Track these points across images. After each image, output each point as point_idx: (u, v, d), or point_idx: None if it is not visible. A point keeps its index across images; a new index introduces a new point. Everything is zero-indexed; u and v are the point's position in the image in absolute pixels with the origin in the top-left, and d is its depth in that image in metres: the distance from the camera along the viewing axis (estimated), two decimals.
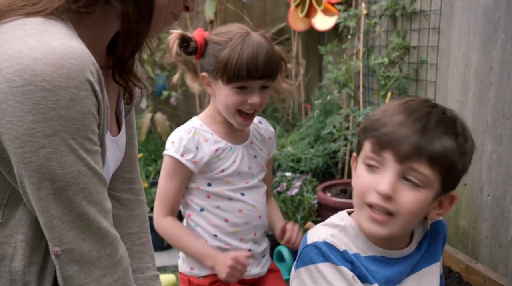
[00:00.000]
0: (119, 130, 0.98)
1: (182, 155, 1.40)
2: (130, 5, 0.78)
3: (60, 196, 0.72)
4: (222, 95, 1.39)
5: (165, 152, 1.43)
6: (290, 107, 3.43)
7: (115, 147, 0.96)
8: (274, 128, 3.27)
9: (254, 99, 1.37)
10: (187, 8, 0.90)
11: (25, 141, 0.68)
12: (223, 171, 1.44)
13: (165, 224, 1.46)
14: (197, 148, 1.41)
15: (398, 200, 0.87)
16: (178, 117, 3.36)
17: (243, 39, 1.36)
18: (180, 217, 1.76)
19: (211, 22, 3.09)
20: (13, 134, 0.68)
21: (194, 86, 1.51)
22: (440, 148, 0.85)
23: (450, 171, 0.88)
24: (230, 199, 1.46)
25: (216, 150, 1.43)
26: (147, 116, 3.01)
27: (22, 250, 0.78)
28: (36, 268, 0.79)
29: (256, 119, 1.58)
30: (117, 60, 0.88)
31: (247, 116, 1.41)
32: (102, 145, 0.80)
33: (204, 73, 1.43)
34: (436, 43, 2.18)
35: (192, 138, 1.41)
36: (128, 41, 0.83)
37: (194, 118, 1.49)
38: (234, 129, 1.48)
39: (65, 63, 0.68)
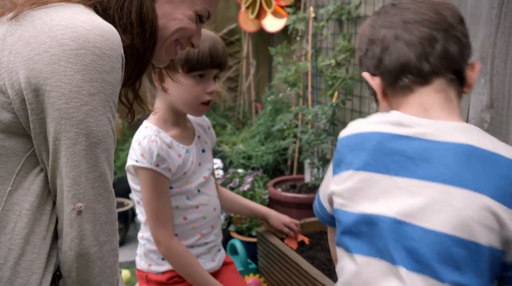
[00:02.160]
0: None
1: (157, 165, 1.40)
2: (137, 38, 0.91)
3: (91, 152, 0.80)
4: (183, 86, 1.42)
5: (136, 164, 1.41)
6: (241, 106, 3.52)
7: None
8: (225, 126, 3.37)
9: (213, 87, 1.46)
10: (192, 45, 1.04)
11: (71, 98, 0.77)
12: (185, 173, 1.47)
13: (177, 248, 1.44)
14: (168, 155, 1.42)
15: None
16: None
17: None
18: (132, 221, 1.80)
19: None
20: (60, 91, 0.77)
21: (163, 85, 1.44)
22: None
23: None
24: (188, 197, 1.50)
25: (180, 155, 1.46)
26: None
27: (27, 218, 0.82)
28: (37, 238, 0.82)
29: None
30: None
31: (207, 106, 1.49)
32: None
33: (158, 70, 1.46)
34: None
35: (161, 147, 1.41)
36: (133, 69, 0.97)
37: (148, 124, 1.47)
38: (183, 129, 1.52)
39: (110, 36, 0.80)
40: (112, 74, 0.80)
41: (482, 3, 1.72)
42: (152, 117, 1.50)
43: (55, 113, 0.78)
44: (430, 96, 0.91)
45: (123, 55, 0.83)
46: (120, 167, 3.05)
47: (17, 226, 0.81)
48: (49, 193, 0.84)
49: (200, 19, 1.01)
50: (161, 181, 1.42)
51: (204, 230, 1.54)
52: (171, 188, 1.47)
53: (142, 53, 0.93)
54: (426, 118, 0.89)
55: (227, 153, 2.99)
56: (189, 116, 1.58)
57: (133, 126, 3.43)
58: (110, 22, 0.87)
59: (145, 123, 1.50)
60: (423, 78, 0.91)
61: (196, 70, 1.43)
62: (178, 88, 1.43)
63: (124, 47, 0.90)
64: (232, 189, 2.47)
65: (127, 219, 2.81)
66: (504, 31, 1.62)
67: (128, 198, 2.99)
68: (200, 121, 1.62)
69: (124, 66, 0.85)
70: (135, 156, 1.42)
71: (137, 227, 2.73)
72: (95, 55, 0.78)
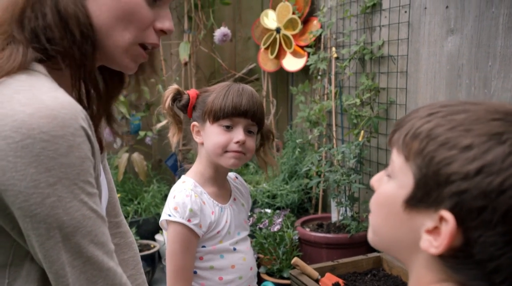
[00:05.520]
0: None
1: (189, 220, 1.39)
2: (63, 42, 0.79)
3: (69, 242, 0.73)
4: (211, 135, 1.44)
5: (168, 218, 1.40)
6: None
7: (102, 188, 0.96)
8: (248, 165, 3.38)
9: (240, 136, 1.42)
10: (163, 31, 0.87)
11: (29, 194, 0.69)
12: (218, 232, 1.46)
13: None
14: (201, 211, 1.41)
15: None
16: (153, 157, 3.41)
17: (230, 84, 1.48)
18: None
19: (186, 64, 3.19)
20: (16, 189, 0.69)
21: (173, 140, 1.55)
22: None
23: None
24: (222, 256, 1.47)
25: (213, 212, 1.45)
26: (124, 156, 3.04)
27: None
28: None
29: (233, 174, 1.64)
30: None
31: (236, 153, 1.44)
32: (98, 186, 0.81)
33: (194, 123, 1.50)
34: (404, 86, 2.36)
35: (195, 202, 1.41)
36: (75, 82, 0.84)
37: (187, 178, 1.49)
38: (220, 187, 1.51)
39: (58, 113, 0.70)
40: (71, 154, 0.71)
41: None
42: (191, 171, 1.52)
43: (17, 212, 0.70)
44: None
45: (83, 125, 0.74)
46: (144, 209, 3.05)
47: None
48: None
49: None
50: (190, 237, 1.41)
51: None
52: (204, 246, 1.45)
53: (80, 60, 0.80)
54: None
55: (251, 192, 2.99)
56: (228, 178, 1.58)
57: (157, 167, 3.45)
58: (33, 39, 0.77)
59: (183, 177, 1.51)
60: None
61: (220, 119, 1.43)
62: (208, 138, 1.46)
63: (58, 57, 0.79)
64: (261, 229, 2.46)
65: (154, 261, 2.80)
66: None
67: (153, 240, 2.98)
68: (239, 184, 1.62)
69: (90, 135, 0.76)
70: (168, 210, 1.42)
71: (164, 269, 2.71)
72: (44, 141, 0.69)
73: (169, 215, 1.40)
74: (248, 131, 1.46)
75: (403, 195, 0.64)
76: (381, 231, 0.70)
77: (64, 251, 0.73)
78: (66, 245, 0.73)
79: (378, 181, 0.71)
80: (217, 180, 1.51)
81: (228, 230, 1.48)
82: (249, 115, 1.44)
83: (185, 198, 1.40)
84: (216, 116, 1.43)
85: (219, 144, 1.43)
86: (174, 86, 1.53)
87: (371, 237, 0.73)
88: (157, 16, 0.86)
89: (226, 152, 1.44)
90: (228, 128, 1.44)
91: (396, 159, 0.66)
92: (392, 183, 0.67)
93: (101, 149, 1.00)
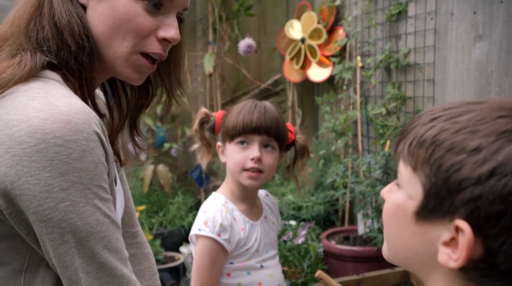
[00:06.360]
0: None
1: (219, 235, 1.39)
2: (61, 53, 0.80)
3: (82, 247, 0.73)
4: (229, 154, 1.46)
5: (198, 233, 1.40)
6: (287, 156, 3.51)
7: (118, 197, 0.96)
8: (273, 177, 3.35)
9: (254, 153, 1.42)
10: (166, 40, 0.85)
11: (43, 199, 0.70)
12: (247, 250, 1.45)
13: None
14: (231, 227, 1.41)
15: None
16: (178, 169, 3.41)
17: (247, 102, 1.48)
18: None
19: (210, 75, 3.20)
20: (30, 194, 0.69)
21: (204, 161, 1.58)
22: None
23: None
24: (249, 272, 1.46)
25: (243, 229, 1.45)
26: (150, 168, 3.05)
27: None
28: None
29: (263, 192, 1.64)
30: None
31: (253, 172, 1.43)
32: (112, 193, 0.82)
33: (219, 143, 1.52)
34: (431, 94, 2.29)
35: (226, 217, 1.41)
36: (80, 93, 0.84)
37: (217, 195, 1.50)
38: (251, 205, 1.51)
39: (71, 118, 0.71)
40: (84, 158, 0.72)
41: None
42: (221, 188, 1.53)
43: (32, 216, 0.71)
44: None
45: (96, 130, 0.74)
46: (169, 221, 3.04)
47: None
48: None
49: (155, 6, 0.83)
50: (218, 252, 1.40)
51: None
52: (231, 263, 1.44)
53: (78, 71, 0.81)
54: None
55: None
56: (259, 195, 1.58)
57: (182, 179, 3.45)
58: (37, 48, 0.78)
59: (214, 194, 1.52)
60: None
61: (235, 137, 1.44)
62: (228, 157, 1.48)
63: (62, 70, 0.80)
64: (285, 242, 2.42)
65: (178, 273, 2.78)
66: None
67: (178, 252, 2.97)
68: (269, 202, 1.62)
69: (103, 140, 0.76)
70: (198, 225, 1.42)
71: (188, 282, 2.69)
72: (57, 146, 0.70)
73: (199, 230, 1.41)
74: (266, 147, 1.45)
75: (412, 207, 0.60)
76: (395, 244, 0.66)
77: (78, 256, 0.73)
78: (80, 250, 0.73)
79: (389, 192, 0.67)
80: (247, 198, 1.51)
81: (257, 248, 1.48)
82: (261, 131, 1.43)
83: (216, 212, 1.42)
84: (230, 134, 1.45)
85: (236, 162, 1.44)
86: (203, 109, 1.55)
87: (385, 250, 0.69)
88: (161, 24, 0.84)
89: (244, 170, 1.44)
90: (243, 144, 1.44)
91: (403, 170, 0.62)
92: (401, 192, 0.63)
93: (120, 162, 1.01)
